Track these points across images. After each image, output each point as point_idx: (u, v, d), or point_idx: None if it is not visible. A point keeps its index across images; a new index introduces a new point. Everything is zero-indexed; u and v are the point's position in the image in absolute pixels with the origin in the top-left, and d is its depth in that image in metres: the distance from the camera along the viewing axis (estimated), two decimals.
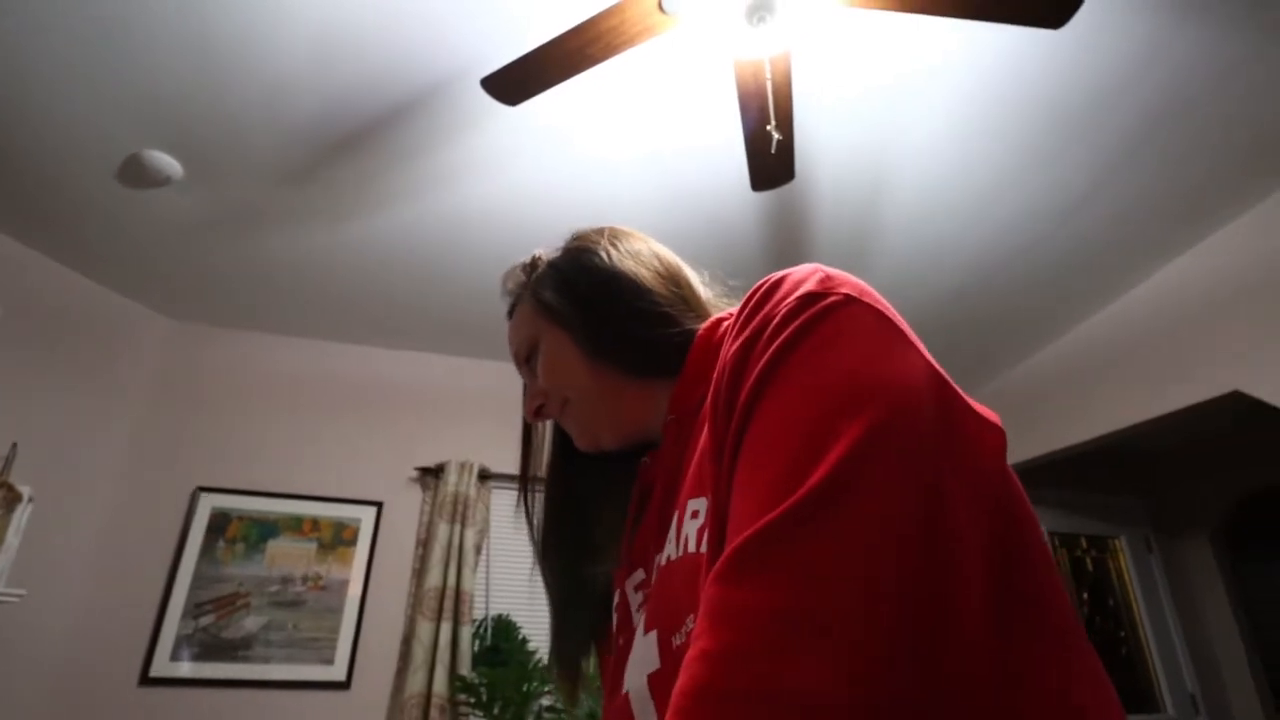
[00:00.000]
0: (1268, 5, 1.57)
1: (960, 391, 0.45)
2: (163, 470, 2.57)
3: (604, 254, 0.65)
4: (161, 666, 2.32)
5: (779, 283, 0.47)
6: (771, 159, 1.61)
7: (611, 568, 0.66)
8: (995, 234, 2.36)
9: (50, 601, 2.23)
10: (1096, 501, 3.68)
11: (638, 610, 0.57)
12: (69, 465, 2.35)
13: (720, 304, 0.66)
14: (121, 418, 2.55)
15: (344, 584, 2.58)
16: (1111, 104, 1.84)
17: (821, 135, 1.93)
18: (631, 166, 2.03)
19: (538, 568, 0.72)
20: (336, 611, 2.53)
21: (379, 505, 2.72)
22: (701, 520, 0.47)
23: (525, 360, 0.68)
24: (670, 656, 0.46)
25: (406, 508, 2.76)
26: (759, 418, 0.41)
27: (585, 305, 0.64)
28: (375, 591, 2.61)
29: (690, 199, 2.16)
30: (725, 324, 0.57)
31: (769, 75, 1.42)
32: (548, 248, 0.73)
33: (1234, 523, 3.81)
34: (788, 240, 2.37)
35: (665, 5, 1.32)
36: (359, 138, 1.92)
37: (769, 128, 1.49)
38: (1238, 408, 2.35)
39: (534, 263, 0.71)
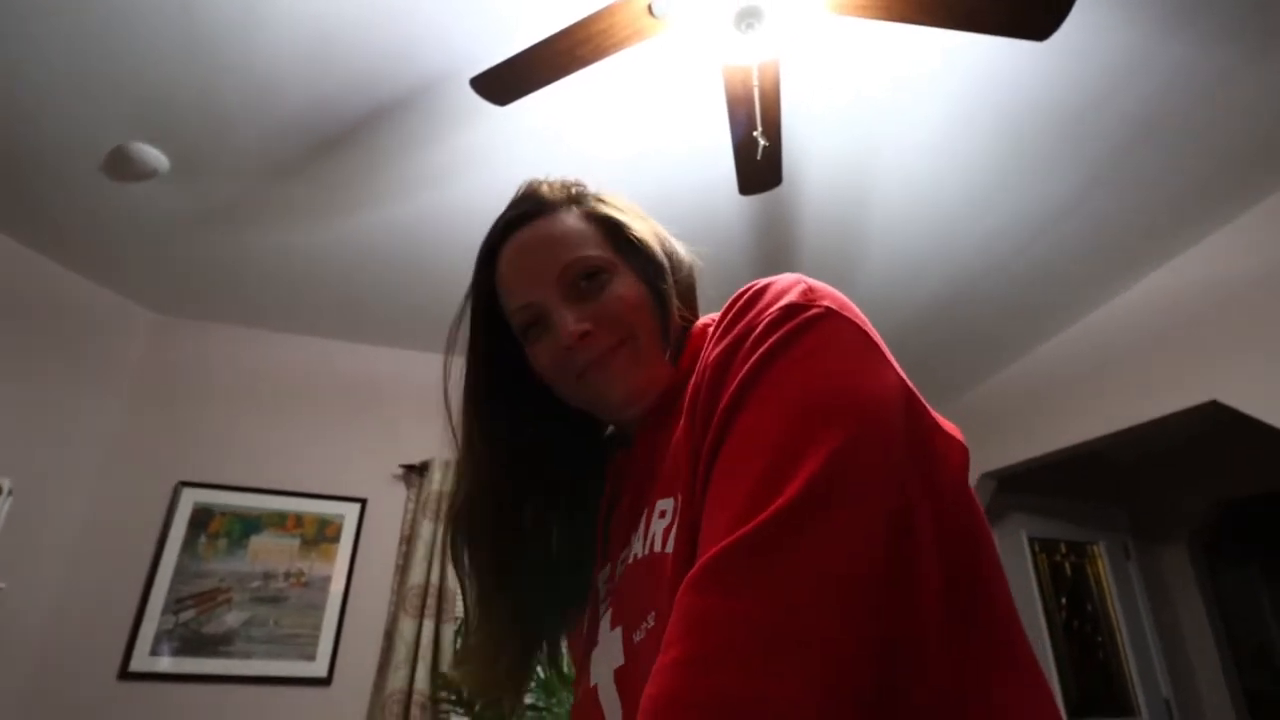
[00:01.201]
0: (1252, 19, 1.60)
1: (928, 407, 0.46)
2: (145, 464, 2.55)
3: (655, 232, 0.65)
4: (141, 661, 2.31)
5: (762, 291, 0.48)
6: (759, 163, 1.62)
7: (575, 564, 0.64)
8: (979, 242, 2.38)
9: (29, 595, 2.21)
10: (1075, 507, 3.73)
11: (602, 600, 0.57)
12: (50, 458, 2.34)
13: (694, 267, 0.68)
14: (104, 411, 2.53)
15: (326, 580, 2.57)
16: (1095, 116, 1.87)
17: (809, 142, 1.94)
18: (620, 168, 2.04)
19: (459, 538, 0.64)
20: (319, 608, 2.53)
21: (363, 502, 2.71)
22: (669, 520, 0.48)
23: (582, 277, 0.58)
24: (632, 652, 0.48)
25: (390, 505, 2.76)
26: (737, 427, 0.42)
27: (657, 270, 0.61)
28: (358, 588, 2.60)
29: (679, 201, 2.17)
30: (710, 329, 0.57)
31: (757, 82, 1.43)
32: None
33: (1211, 530, 3.87)
34: (775, 244, 2.38)
35: (655, 9, 1.33)
36: (347, 135, 1.91)
37: (755, 134, 1.50)
38: (1216, 417, 2.39)
39: (581, 186, 0.65)
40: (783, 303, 0.45)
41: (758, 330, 0.44)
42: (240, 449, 2.68)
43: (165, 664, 2.33)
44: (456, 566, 0.63)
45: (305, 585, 2.54)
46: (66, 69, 1.70)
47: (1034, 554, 3.52)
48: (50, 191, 2.11)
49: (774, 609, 0.34)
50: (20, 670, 2.18)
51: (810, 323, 0.44)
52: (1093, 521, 3.77)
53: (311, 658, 2.44)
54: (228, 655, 2.39)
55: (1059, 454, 2.92)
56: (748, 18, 1.28)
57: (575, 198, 0.63)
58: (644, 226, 0.63)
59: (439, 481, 2.71)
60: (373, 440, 2.82)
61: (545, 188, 0.64)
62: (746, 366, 0.43)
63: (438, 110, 1.83)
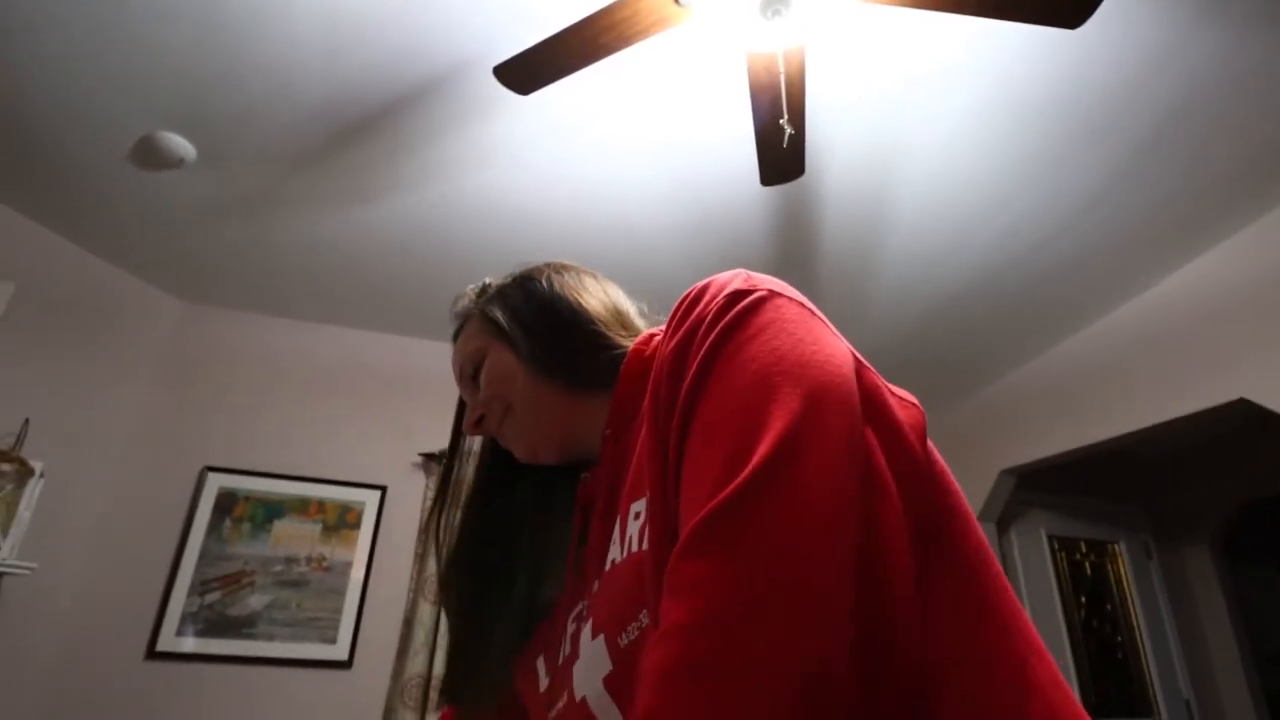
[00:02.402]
0: None
1: (878, 374, 0.50)
2: (171, 449, 2.60)
3: (545, 281, 0.70)
4: (168, 641, 2.36)
5: (705, 288, 0.51)
6: (782, 154, 1.61)
7: (539, 588, 0.67)
8: (1003, 235, 2.35)
9: (60, 575, 2.26)
10: (1096, 506, 3.68)
11: (573, 621, 0.58)
12: (80, 442, 2.38)
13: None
14: (132, 396, 2.58)
15: (347, 566, 2.61)
16: (1125, 106, 1.84)
17: (832, 132, 1.93)
18: (642, 158, 2.03)
19: (445, 585, 0.72)
20: (340, 592, 2.56)
21: (383, 489, 2.75)
22: (642, 520, 0.48)
23: (470, 376, 0.70)
24: (619, 656, 0.47)
25: (410, 492, 2.79)
26: (701, 408, 0.44)
27: (529, 324, 0.67)
28: (378, 574, 2.64)
29: (700, 192, 2.16)
30: (656, 339, 0.60)
31: (782, 69, 1.42)
32: (496, 276, 0.77)
33: (1234, 531, 3.81)
34: (794, 236, 2.37)
35: None
36: (370, 123, 1.93)
37: (781, 121, 1.49)
38: (1244, 415, 2.35)
39: (484, 288, 0.75)
40: (727, 291, 0.48)
41: (708, 319, 0.47)
42: (264, 435, 2.72)
43: (190, 644, 2.38)
44: (446, 609, 0.71)
45: (327, 570, 2.58)
46: (95, 59, 1.72)
47: (1053, 552, 3.49)
48: (79, 180, 2.14)
49: (766, 564, 0.35)
50: (49, 649, 2.24)
51: (755, 305, 0.47)
52: (1113, 520, 3.72)
53: (333, 641, 2.48)
54: (251, 637, 2.43)
55: (1080, 452, 2.89)
56: (774, 4, 1.27)
57: (472, 308, 0.73)
58: (519, 299, 0.69)
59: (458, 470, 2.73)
60: (393, 428, 2.85)
61: (457, 306, 0.75)
62: (701, 352, 0.46)
63: (459, 99, 1.84)
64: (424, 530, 2.65)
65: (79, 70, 1.76)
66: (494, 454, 0.74)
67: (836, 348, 0.46)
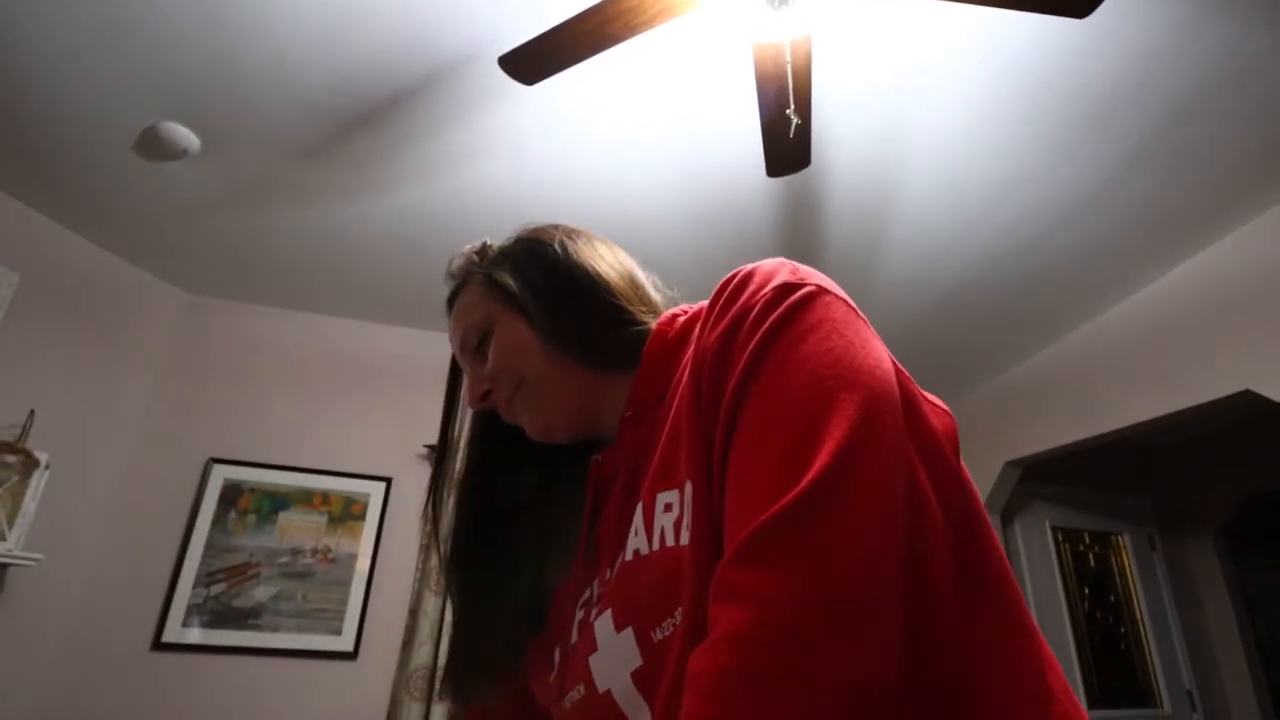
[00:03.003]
0: None
1: (911, 378, 0.50)
2: (176, 440, 2.60)
3: (558, 247, 0.65)
4: (173, 633, 2.37)
5: (750, 275, 0.50)
6: (789, 144, 1.60)
7: (543, 573, 0.65)
8: (1009, 225, 2.34)
9: (66, 566, 2.27)
10: (1100, 498, 3.68)
11: (581, 608, 0.56)
12: (85, 433, 2.39)
13: (669, 306, 0.66)
14: (137, 388, 2.59)
15: (353, 557, 2.62)
16: (1132, 98, 1.82)
17: (838, 123, 1.92)
18: (647, 149, 2.02)
19: (449, 570, 0.68)
20: (345, 584, 2.58)
21: (388, 481, 2.75)
22: (677, 513, 0.47)
23: (475, 345, 0.65)
24: (652, 652, 0.46)
25: (415, 484, 2.79)
26: (752, 403, 0.43)
27: (544, 293, 0.63)
28: (383, 565, 2.65)
29: (706, 183, 2.15)
30: (681, 320, 0.59)
31: (789, 59, 1.41)
32: (497, 238, 0.72)
33: (1238, 523, 3.81)
34: (801, 226, 2.36)
35: None
36: (374, 114, 1.92)
37: (788, 112, 1.48)
38: (1248, 407, 2.34)
39: (484, 248, 0.70)
40: (775, 283, 0.47)
41: (755, 311, 0.46)
42: (269, 427, 2.72)
43: (196, 635, 2.39)
44: (449, 590, 0.68)
45: (332, 561, 2.59)
46: (99, 50, 1.72)
47: (1057, 544, 3.49)
48: (83, 171, 2.14)
49: (815, 575, 0.35)
50: (56, 640, 2.25)
51: (805, 300, 0.46)
52: (1117, 512, 3.72)
53: (338, 632, 2.49)
54: (257, 628, 2.45)
55: (1085, 443, 2.88)
56: None
57: (472, 269, 0.68)
58: (530, 265, 0.65)
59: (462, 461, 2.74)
60: (398, 420, 2.85)
61: (453, 266, 0.70)
62: (751, 345, 0.45)
63: (464, 90, 1.83)
64: (422, 513, 2.65)
65: (83, 61, 1.75)
66: (489, 429, 0.70)
67: (882, 353, 0.46)
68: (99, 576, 2.37)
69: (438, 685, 2.42)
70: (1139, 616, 3.55)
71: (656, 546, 0.48)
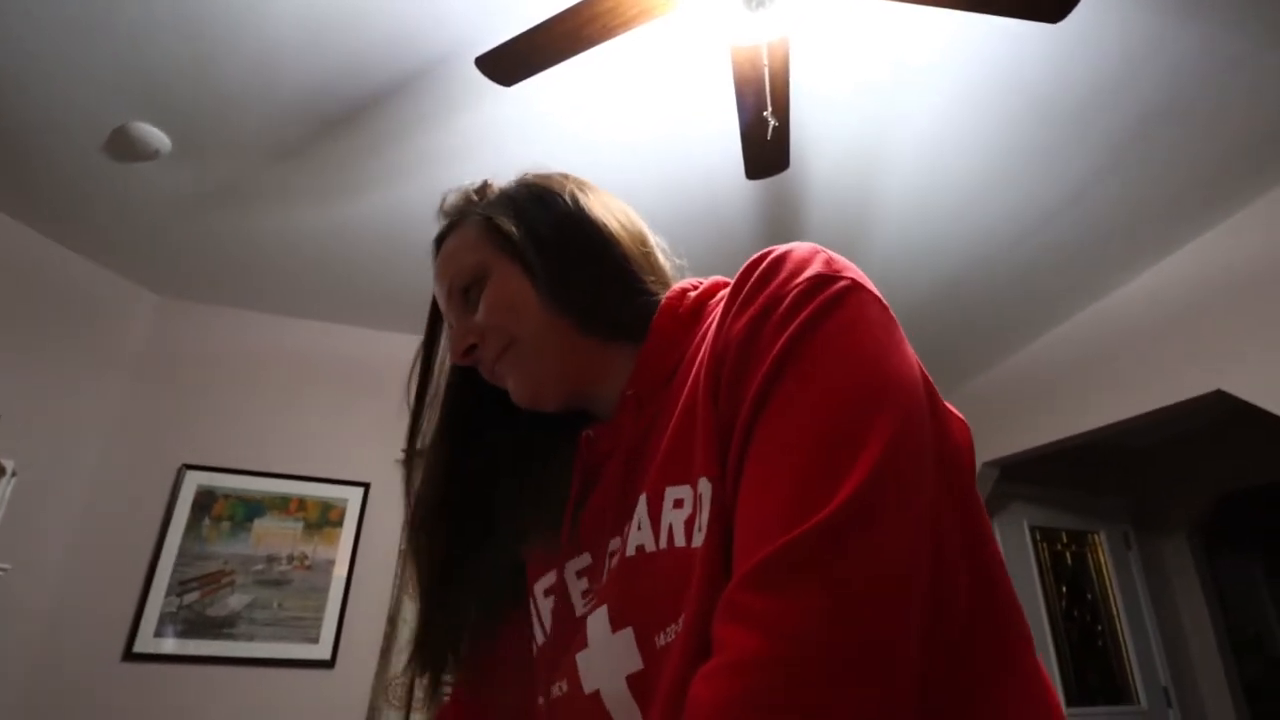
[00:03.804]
0: (1265, 6, 1.57)
1: (934, 386, 0.46)
2: (148, 447, 2.55)
3: (569, 198, 0.59)
4: (145, 643, 2.32)
5: (781, 259, 0.46)
6: (767, 146, 1.61)
7: (515, 545, 0.60)
8: (985, 229, 2.37)
9: (34, 576, 2.22)
10: (1077, 497, 3.73)
11: (581, 598, 0.53)
12: (53, 439, 2.34)
13: (676, 276, 0.62)
14: (107, 392, 2.53)
15: (330, 564, 2.58)
16: (1106, 101, 1.85)
17: (816, 125, 1.93)
18: (626, 150, 2.02)
19: (411, 538, 0.63)
20: (322, 591, 2.54)
21: (366, 486, 2.72)
22: (688, 510, 0.44)
23: (463, 291, 0.59)
24: (654, 657, 0.44)
25: (393, 489, 2.76)
26: (776, 406, 0.40)
27: (549, 246, 0.57)
28: (361, 572, 2.61)
29: (684, 185, 2.15)
30: (693, 294, 0.55)
31: (766, 62, 1.41)
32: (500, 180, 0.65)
33: (1212, 521, 3.88)
34: (780, 228, 2.37)
35: None
36: (350, 115, 1.90)
37: (766, 114, 1.48)
38: (1221, 407, 2.38)
39: (485, 187, 0.64)
40: (809, 273, 0.44)
41: (786, 301, 0.43)
42: (244, 432, 2.68)
43: (169, 645, 2.35)
44: (413, 558, 0.63)
45: (309, 568, 2.55)
46: (67, 48, 1.68)
47: (1035, 543, 3.53)
48: (52, 172, 2.10)
49: (837, 614, 0.33)
50: (25, 651, 2.19)
51: (840, 296, 0.42)
52: (1094, 511, 3.77)
53: (315, 640, 2.45)
54: (231, 637, 2.40)
55: (1062, 443, 2.92)
56: None
57: (469, 208, 0.62)
58: (537, 213, 0.59)
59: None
60: (376, 424, 2.82)
61: (448, 204, 0.64)
62: (781, 340, 0.41)
63: (441, 91, 1.82)
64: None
65: (51, 60, 1.71)
66: (468, 382, 0.63)
67: (913, 360, 0.43)
68: (68, 586, 2.32)
69: (418, 692, 2.39)
70: (1115, 614, 3.60)
71: (664, 545, 0.45)
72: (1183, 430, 3.66)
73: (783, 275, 0.44)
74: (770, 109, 1.47)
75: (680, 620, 0.42)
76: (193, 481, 2.54)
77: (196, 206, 2.26)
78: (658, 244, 0.63)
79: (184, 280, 2.68)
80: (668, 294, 0.56)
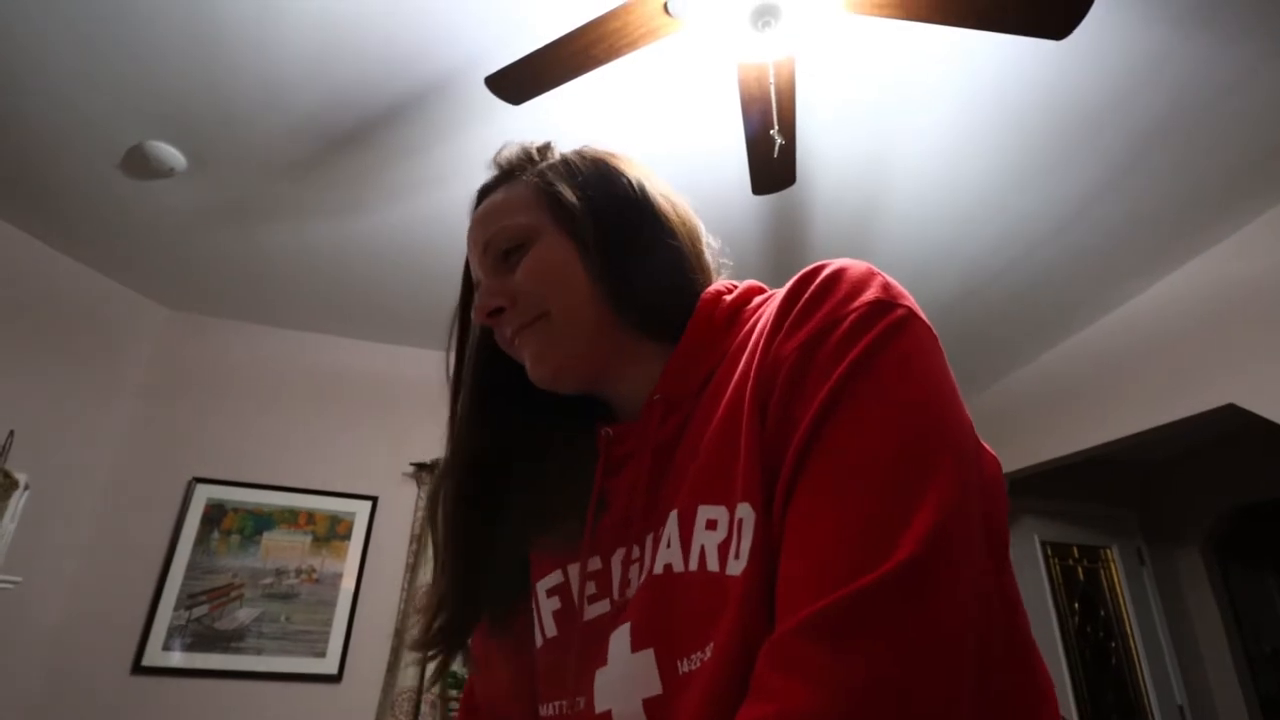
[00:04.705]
0: (1272, 17, 1.58)
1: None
2: (159, 460, 2.57)
3: (634, 180, 0.57)
4: (154, 656, 2.33)
5: (836, 279, 0.44)
6: (773, 163, 1.62)
7: (526, 537, 0.58)
8: (992, 242, 2.37)
9: (45, 588, 2.23)
10: (1088, 511, 3.70)
11: (589, 603, 0.51)
12: (66, 453, 2.36)
13: (719, 277, 0.60)
14: (119, 406, 2.56)
15: (338, 577, 2.59)
16: (1111, 116, 1.85)
17: (822, 141, 1.94)
18: None
19: (429, 505, 0.60)
20: (330, 604, 2.54)
21: (374, 500, 2.73)
22: (723, 534, 0.42)
23: (502, 252, 0.55)
24: (675, 683, 0.42)
25: (401, 503, 2.77)
26: (834, 440, 0.38)
27: (610, 226, 0.54)
28: (369, 585, 2.61)
29: (691, 200, 2.16)
30: (728, 299, 0.54)
31: (773, 79, 1.43)
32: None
33: (1226, 535, 3.83)
34: (786, 244, 2.37)
35: (671, 8, 1.33)
36: (360, 133, 1.92)
37: (772, 132, 1.49)
38: (1232, 420, 2.36)
39: (547, 148, 0.61)
40: (867, 297, 0.42)
41: (843, 326, 0.41)
42: (253, 446, 2.69)
43: (178, 659, 2.35)
44: (431, 530, 0.60)
45: (317, 582, 2.56)
46: (85, 69, 1.71)
47: (1046, 558, 3.50)
48: (68, 189, 2.13)
49: (896, 672, 0.33)
50: (35, 664, 2.20)
51: (899, 325, 0.41)
52: (1106, 526, 3.73)
53: (322, 654, 2.45)
54: (240, 651, 2.41)
55: (1073, 458, 2.90)
56: (764, 15, 1.27)
57: (526, 164, 0.59)
58: (601, 190, 0.56)
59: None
60: (384, 438, 2.83)
61: (503, 156, 0.61)
62: (839, 369, 0.40)
63: (450, 109, 1.84)
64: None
65: (69, 79, 1.75)
66: (494, 358, 0.59)
67: (960, 400, 0.42)
68: (79, 598, 2.33)
69: (424, 708, 2.38)
70: (1129, 631, 3.55)
71: (694, 567, 0.43)
72: (1195, 443, 3.63)
73: (839, 296, 0.43)
74: (777, 126, 1.48)
75: (708, 649, 0.40)
76: (203, 495, 2.55)
77: (209, 223, 2.29)
78: (709, 243, 0.61)
79: (196, 295, 2.71)
80: (703, 296, 0.54)
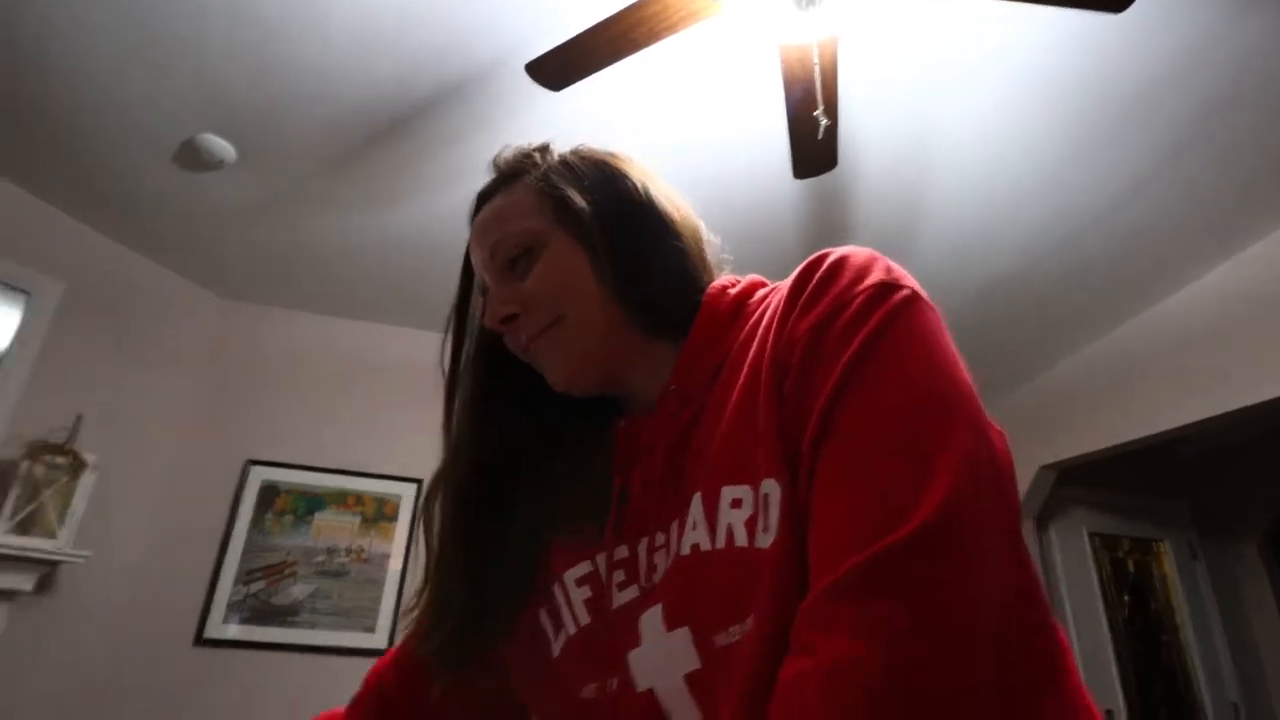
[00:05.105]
0: None
1: None
2: (216, 443, 2.68)
3: (638, 182, 0.58)
4: (215, 629, 2.44)
5: (840, 264, 0.46)
6: (816, 145, 1.60)
7: (544, 533, 0.58)
8: (1043, 223, 2.30)
9: (112, 564, 2.34)
10: (1139, 503, 3.59)
11: (618, 590, 0.52)
12: (130, 436, 2.47)
13: (719, 274, 0.61)
14: (178, 391, 2.66)
15: (385, 557, 2.67)
16: (1169, 92, 1.78)
17: (864, 123, 1.90)
18: (673, 151, 2.03)
19: (425, 509, 0.60)
20: (378, 582, 2.63)
21: (419, 482, 2.80)
22: (749, 511, 0.44)
23: (509, 260, 0.56)
24: (713, 657, 0.44)
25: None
26: (852, 412, 0.41)
27: (618, 230, 0.55)
28: (415, 565, 2.68)
29: (731, 184, 2.15)
30: (732, 293, 0.55)
31: (816, 60, 1.41)
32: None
33: None
34: (828, 227, 2.34)
35: None
36: (401, 123, 1.95)
37: (816, 114, 1.47)
38: None
39: (546, 150, 0.61)
40: (872, 280, 0.45)
41: (853, 307, 0.44)
42: (303, 429, 2.78)
43: (236, 631, 2.46)
44: (425, 530, 0.60)
45: (365, 561, 2.65)
46: (139, 64, 1.77)
47: (1095, 550, 3.41)
48: (126, 182, 2.21)
49: (940, 615, 0.34)
50: (103, 635, 2.33)
51: (905, 305, 0.44)
52: (1157, 518, 3.62)
53: (372, 630, 2.54)
54: (294, 625, 2.51)
55: (1123, 447, 2.81)
56: None
57: (527, 167, 0.59)
58: (606, 192, 0.56)
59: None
60: (428, 423, 2.85)
61: (502, 159, 0.61)
62: (853, 345, 0.42)
63: (491, 96, 1.86)
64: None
65: (126, 77, 1.81)
66: (494, 357, 0.61)
67: (966, 371, 0.44)
68: (144, 574, 2.45)
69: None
70: (1180, 625, 3.45)
71: (722, 545, 0.45)
72: (1253, 434, 3.48)
73: (845, 280, 0.45)
74: (821, 108, 1.46)
75: (747, 621, 0.42)
76: (257, 476, 2.65)
77: (260, 213, 2.36)
78: (709, 240, 0.62)
79: (247, 284, 2.80)
80: (707, 291, 0.56)
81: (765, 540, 0.43)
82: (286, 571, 2.56)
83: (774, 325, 0.48)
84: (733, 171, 2.09)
